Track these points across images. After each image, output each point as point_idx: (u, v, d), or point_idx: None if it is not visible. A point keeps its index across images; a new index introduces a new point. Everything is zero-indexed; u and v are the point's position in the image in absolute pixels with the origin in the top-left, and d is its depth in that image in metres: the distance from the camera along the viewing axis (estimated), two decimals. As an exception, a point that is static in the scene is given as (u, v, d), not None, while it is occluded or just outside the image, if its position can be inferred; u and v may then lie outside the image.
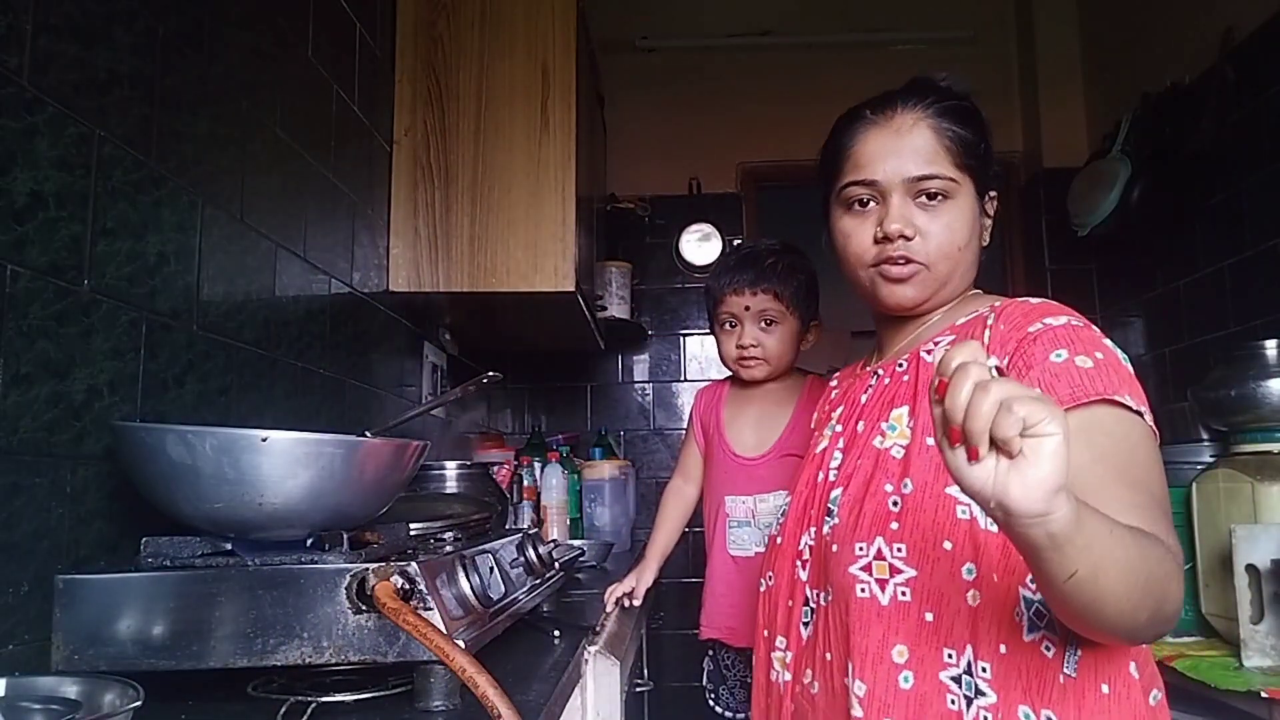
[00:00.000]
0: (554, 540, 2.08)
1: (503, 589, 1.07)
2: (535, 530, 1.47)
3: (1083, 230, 2.87)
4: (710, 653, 1.93)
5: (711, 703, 1.92)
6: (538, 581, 1.22)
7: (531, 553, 1.22)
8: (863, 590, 0.93)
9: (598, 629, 1.31)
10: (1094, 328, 0.93)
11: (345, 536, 0.91)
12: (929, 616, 0.89)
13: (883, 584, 0.92)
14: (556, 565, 1.35)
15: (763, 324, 1.78)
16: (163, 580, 0.85)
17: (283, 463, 0.88)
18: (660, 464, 3.36)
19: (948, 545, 0.89)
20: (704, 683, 1.95)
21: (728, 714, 1.87)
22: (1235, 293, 2.50)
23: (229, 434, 0.88)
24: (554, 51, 2.18)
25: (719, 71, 3.52)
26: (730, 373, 1.88)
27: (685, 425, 2.16)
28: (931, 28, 3.43)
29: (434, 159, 2.15)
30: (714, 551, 1.88)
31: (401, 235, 2.11)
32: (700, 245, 3.45)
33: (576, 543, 2.20)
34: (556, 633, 1.19)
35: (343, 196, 1.80)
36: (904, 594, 0.91)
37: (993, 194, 1.07)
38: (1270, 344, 1.92)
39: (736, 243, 3.31)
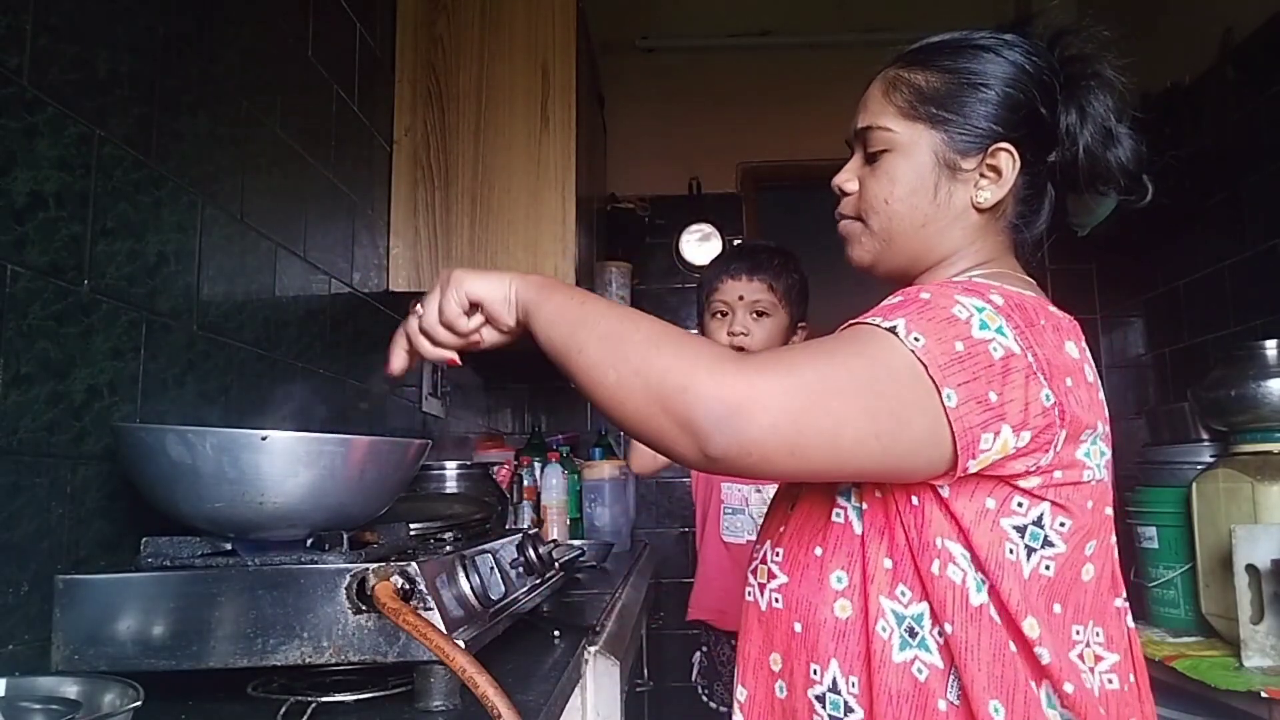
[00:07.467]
0: (554, 540, 2.07)
1: (503, 589, 1.07)
2: (535, 530, 1.47)
3: (1083, 230, 2.86)
4: (704, 648, 1.93)
5: (705, 698, 1.92)
6: (538, 581, 1.22)
7: (531, 553, 1.22)
8: (750, 594, 0.92)
9: (598, 629, 1.31)
10: (959, 301, 0.76)
11: (345, 536, 0.91)
12: (798, 627, 0.84)
13: (763, 588, 0.89)
14: (556, 565, 1.35)
15: (754, 314, 1.78)
16: (163, 580, 0.85)
17: (284, 462, 0.88)
18: (660, 464, 3.35)
19: (818, 551, 0.84)
20: (695, 678, 1.95)
21: (723, 709, 1.88)
22: (1235, 293, 2.50)
23: (229, 434, 0.88)
24: (554, 51, 2.18)
25: (719, 71, 3.52)
26: None
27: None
28: (931, 28, 3.41)
29: (434, 159, 2.14)
30: (707, 538, 1.90)
31: (401, 235, 2.11)
32: (700, 245, 3.44)
33: (576, 543, 2.19)
34: (556, 633, 1.19)
35: (343, 196, 1.80)
36: (777, 601, 0.87)
37: (1002, 146, 0.89)
38: (1270, 344, 1.92)
39: (736, 243, 3.32)
